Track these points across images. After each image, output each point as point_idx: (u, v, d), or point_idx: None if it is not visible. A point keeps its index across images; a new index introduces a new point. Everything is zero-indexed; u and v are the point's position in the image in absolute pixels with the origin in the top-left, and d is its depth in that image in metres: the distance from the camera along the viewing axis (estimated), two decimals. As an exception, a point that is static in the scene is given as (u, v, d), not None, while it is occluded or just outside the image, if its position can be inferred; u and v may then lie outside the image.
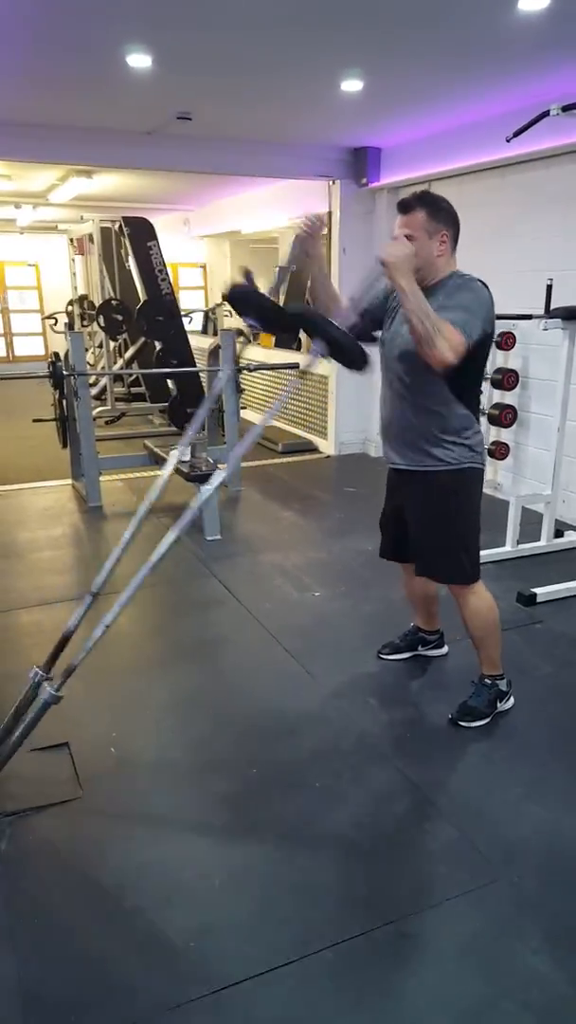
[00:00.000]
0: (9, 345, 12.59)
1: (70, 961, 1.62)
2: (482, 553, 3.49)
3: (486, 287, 2.14)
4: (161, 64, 3.49)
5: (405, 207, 2.13)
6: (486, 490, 2.35)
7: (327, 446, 6.35)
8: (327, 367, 6.10)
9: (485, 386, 4.21)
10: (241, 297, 2.09)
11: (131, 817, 2.07)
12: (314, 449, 6.44)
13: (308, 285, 2.33)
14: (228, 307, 8.92)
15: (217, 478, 2.11)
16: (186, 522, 1.99)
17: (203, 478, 4.29)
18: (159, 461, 5.00)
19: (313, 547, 4.16)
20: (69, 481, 5.32)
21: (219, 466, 4.54)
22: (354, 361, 1.98)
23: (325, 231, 2.29)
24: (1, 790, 2.07)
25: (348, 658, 2.89)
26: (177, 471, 4.46)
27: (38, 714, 1.99)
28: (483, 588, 2.40)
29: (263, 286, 2.12)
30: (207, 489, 2.25)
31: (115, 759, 2.30)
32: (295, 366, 5.93)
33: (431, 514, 2.36)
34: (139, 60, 3.43)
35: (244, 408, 6.69)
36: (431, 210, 2.11)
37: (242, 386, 5.33)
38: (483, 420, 4.50)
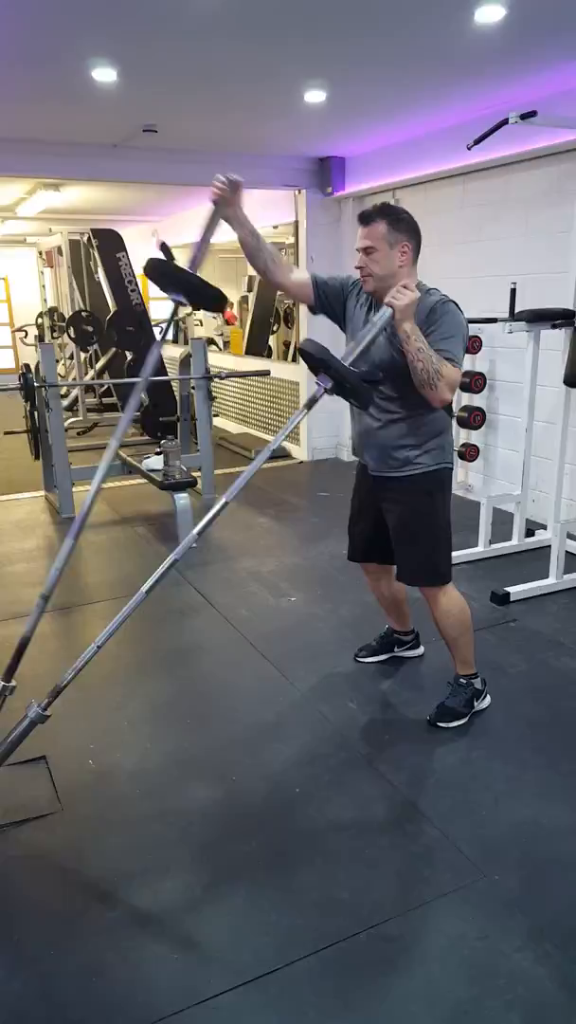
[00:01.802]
0: (-22, 358, 12.46)
1: (53, 976, 1.60)
2: (455, 554, 3.53)
3: (458, 306, 2.17)
4: (126, 77, 3.50)
5: (366, 219, 2.16)
6: (457, 491, 2.38)
7: (300, 452, 6.38)
8: (298, 373, 6.13)
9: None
10: (159, 270, 2.07)
11: (111, 829, 2.05)
12: (287, 455, 6.46)
13: (245, 250, 2.28)
14: (199, 316, 8.93)
15: (216, 507, 2.09)
16: (182, 549, 1.99)
17: (177, 487, 4.28)
18: (133, 470, 4.98)
19: (288, 552, 4.17)
20: (42, 492, 5.27)
21: (192, 474, 4.53)
22: (361, 400, 2.05)
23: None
24: (-23, 807, 2.03)
25: (326, 662, 2.90)
26: (151, 480, 4.46)
27: (23, 732, 1.95)
28: (454, 589, 2.42)
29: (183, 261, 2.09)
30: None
31: (93, 771, 2.27)
32: (266, 373, 5.95)
33: (408, 517, 2.37)
34: (104, 74, 3.43)
35: (217, 416, 6.70)
36: (391, 221, 2.13)
37: (213, 394, 5.32)
38: (452, 422, 4.55)
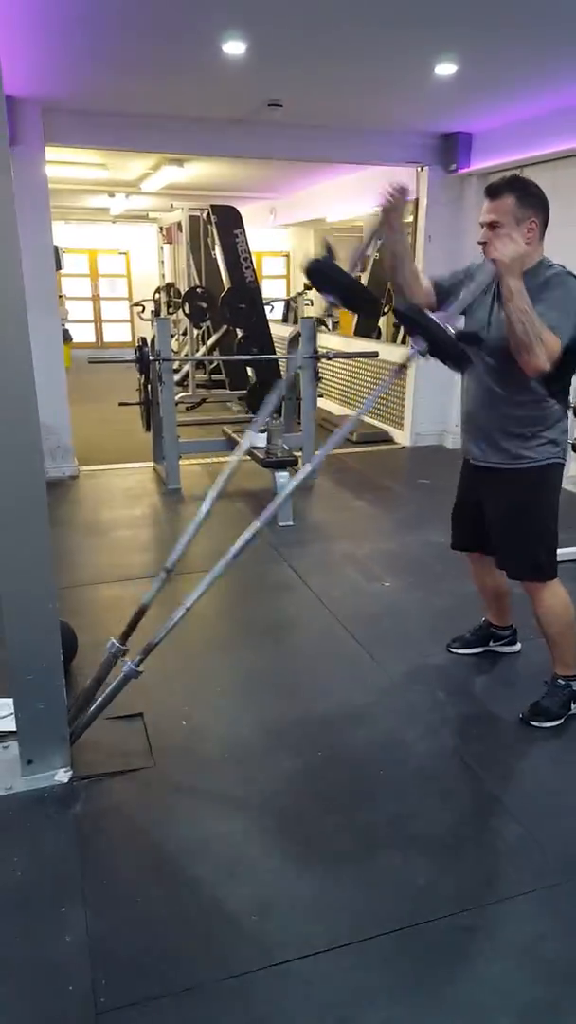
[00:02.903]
0: (99, 331, 12.99)
1: (136, 923, 1.69)
2: (564, 551, 3.40)
3: None
4: (255, 51, 3.51)
5: (494, 192, 2.08)
6: (569, 486, 2.28)
7: (403, 437, 6.29)
8: (406, 356, 6.02)
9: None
10: (320, 271, 2.07)
11: (199, 789, 2.13)
12: (389, 439, 6.39)
13: (388, 262, 2.27)
14: (310, 295, 8.93)
15: (301, 474, 2.11)
16: (268, 515, 2.03)
17: (279, 465, 4.34)
18: (236, 447, 5.07)
19: (384, 537, 4.14)
20: (151, 464, 5.47)
21: (294, 453, 4.57)
22: (457, 362, 1.96)
23: (411, 199, 2.21)
24: (79, 755, 2.17)
25: (416, 649, 2.87)
26: (253, 457, 4.53)
27: (118, 686, 2.08)
28: (559, 586, 2.34)
29: (343, 262, 2.09)
30: (283, 478, 2.27)
31: (186, 732, 2.37)
32: (374, 354, 5.89)
33: (511, 511, 2.31)
34: (234, 47, 3.46)
35: (322, 396, 6.71)
36: (520, 195, 2.05)
37: (320, 374, 5.33)
38: (569, 413, 4.35)
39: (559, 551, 2.38)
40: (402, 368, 2.04)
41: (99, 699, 2.12)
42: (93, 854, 1.88)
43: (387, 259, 2.24)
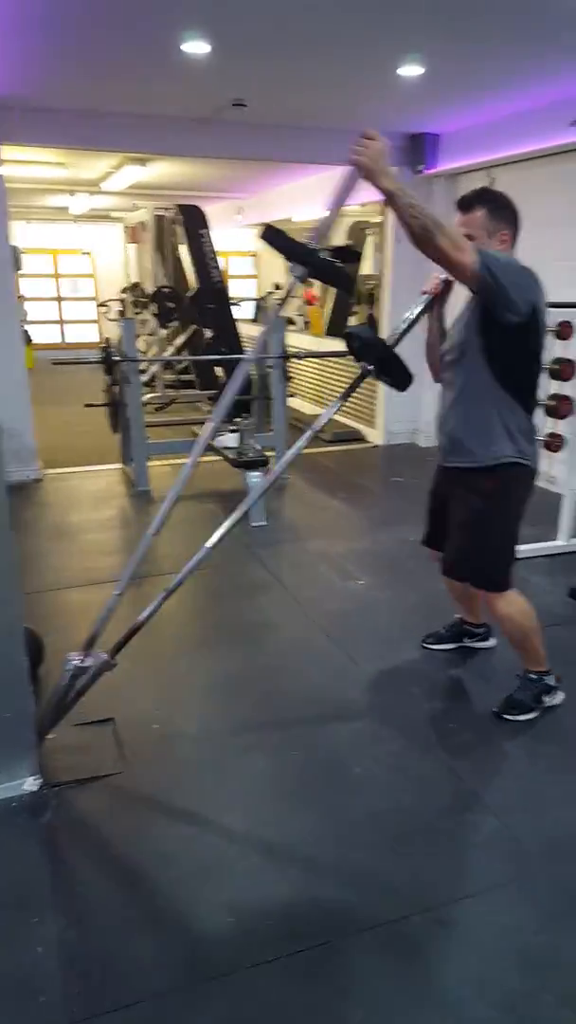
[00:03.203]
0: (63, 332, 12.83)
1: (108, 930, 1.65)
2: (534, 547, 3.44)
3: (534, 275, 2.06)
4: (218, 51, 3.49)
5: (465, 205, 2.09)
6: (539, 483, 2.27)
7: (376, 435, 6.30)
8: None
9: (542, 376, 4.11)
10: (367, 341, 2.11)
11: (173, 792, 2.10)
12: (362, 438, 6.40)
13: (427, 340, 2.35)
14: (278, 296, 8.91)
15: (268, 476, 2.13)
16: (240, 514, 2.01)
17: (249, 465, 4.31)
18: (207, 448, 5.03)
19: (358, 536, 4.14)
20: (119, 465, 5.40)
21: (265, 453, 4.55)
22: (399, 382, 2.03)
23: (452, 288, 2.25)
24: (48, 762, 2.12)
25: (391, 646, 2.87)
26: (224, 457, 4.50)
27: (90, 681, 2.04)
28: (515, 595, 2.31)
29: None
30: (255, 479, 2.26)
31: (158, 736, 2.33)
32: (344, 354, 5.87)
33: (472, 517, 2.28)
34: (196, 47, 3.43)
35: (292, 396, 6.69)
36: (491, 208, 2.06)
37: (289, 374, 5.31)
38: (538, 411, 4.41)
39: (531, 547, 2.39)
40: (354, 388, 2.07)
41: (72, 694, 2.08)
42: (63, 862, 1.84)
43: (427, 340, 2.35)
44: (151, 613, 2.02)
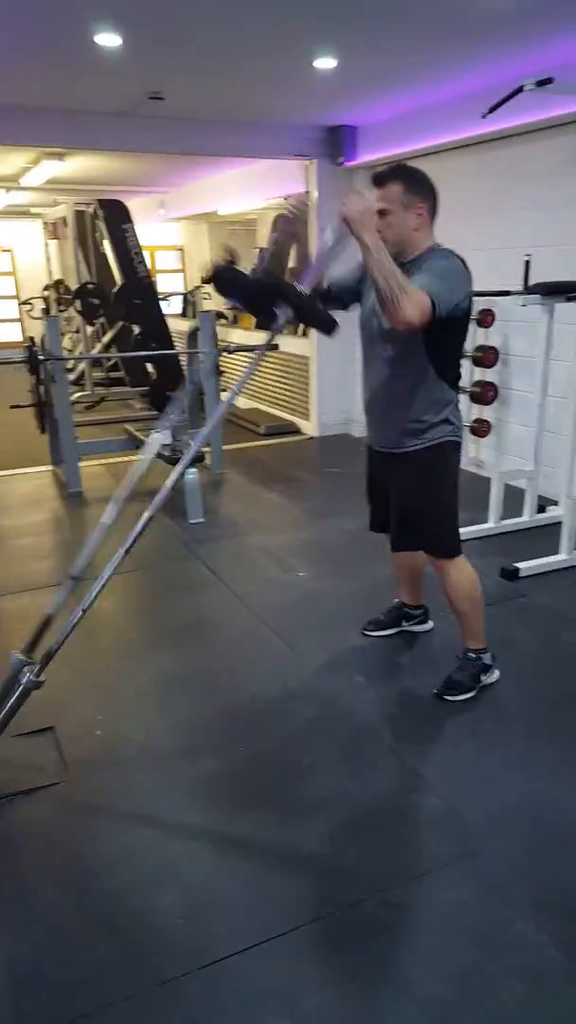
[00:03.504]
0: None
1: (59, 942, 1.62)
2: (466, 530, 3.51)
3: (464, 263, 2.13)
4: (131, 43, 3.43)
5: (380, 180, 2.11)
6: (468, 467, 2.35)
7: (310, 427, 6.34)
8: (308, 347, 6.07)
9: (466, 364, 4.21)
10: (224, 277, 2.06)
11: (119, 798, 2.07)
12: (297, 431, 6.43)
13: (289, 266, 2.30)
14: (207, 289, 8.85)
15: (185, 460, 2.09)
16: (159, 502, 1.98)
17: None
18: (140, 445, 4.96)
19: (297, 527, 4.16)
20: (49, 467, 5.27)
21: (201, 449, 4.52)
22: (322, 323, 1.98)
23: (308, 199, 2.26)
24: (-13, 775, 2.06)
25: (333, 636, 2.90)
26: (159, 455, 4.44)
27: (19, 700, 1.98)
28: (465, 562, 2.41)
29: (244, 267, 2.10)
30: (192, 475, 2.23)
31: (101, 742, 2.29)
32: (275, 347, 5.89)
33: (412, 490, 2.36)
34: (108, 39, 3.36)
35: (224, 390, 6.66)
36: (407, 182, 2.08)
37: (221, 368, 5.29)
38: (464, 398, 4.51)
39: (462, 530, 2.45)
40: (272, 337, 2.03)
41: (0, 716, 2.02)
42: (8, 876, 1.80)
43: (290, 266, 2.26)
44: (70, 630, 1.96)
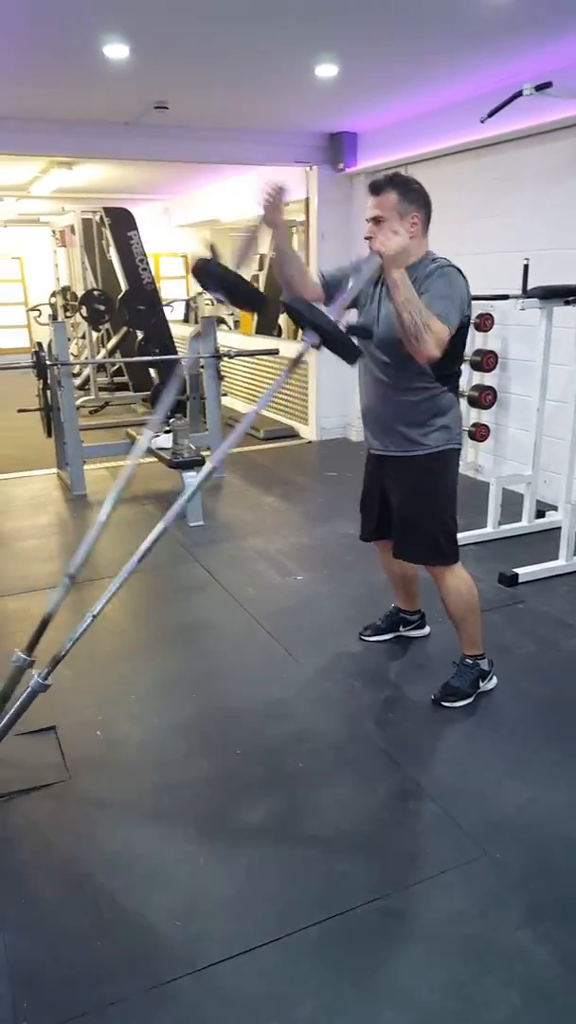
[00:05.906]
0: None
1: (56, 940, 1.63)
2: (464, 535, 3.53)
3: (460, 272, 2.14)
4: (137, 54, 3.47)
5: (376, 188, 2.13)
6: (467, 472, 2.36)
7: (308, 432, 6.36)
8: (307, 353, 6.08)
9: (465, 368, 4.22)
10: (205, 270, 2.09)
11: (117, 798, 2.08)
12: (295, 435, 6.44)
13: (274, 258, 2.32)
14: (208, 296, 8.90)
15: (203, 472, 2.10)
16: (174, 514, 2.00)
17: (186, 465, 4.29)
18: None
19: (295, 532, 4.17)
20: (54, 470, 5.30)
21: (201, 453, 4.54)
22: (347, 352, 1.99)
23: (288, 200, 2.27)
24: (-13, 777, 2.07)
25: (331, 640, 2.91)
26: (160, 458, 4.47)
27: (26, 701, 2.00)
28: (462, 569, 2.41)
29: (229, 261, 2.12)
30: (191, 479, 2.25)
31: (101, 742, 2.31)
32: (275, 352, 5.92)
33: (412, 496, 2.37)
34: (116, 51, 3.41)
35: (225, 395, 6.69)
36: (402, 191, 2.11)
37: (222, 373, 5.31)
38: (463, 402, 4.51)
39: (461, 535, 2.46)
40: (296, 362, 2.05)
41: (7, 716, 2.04)
42: (8, 874, 1.81)
43: (273, 255, 2.28)
44: (79, 635, 1.98)
